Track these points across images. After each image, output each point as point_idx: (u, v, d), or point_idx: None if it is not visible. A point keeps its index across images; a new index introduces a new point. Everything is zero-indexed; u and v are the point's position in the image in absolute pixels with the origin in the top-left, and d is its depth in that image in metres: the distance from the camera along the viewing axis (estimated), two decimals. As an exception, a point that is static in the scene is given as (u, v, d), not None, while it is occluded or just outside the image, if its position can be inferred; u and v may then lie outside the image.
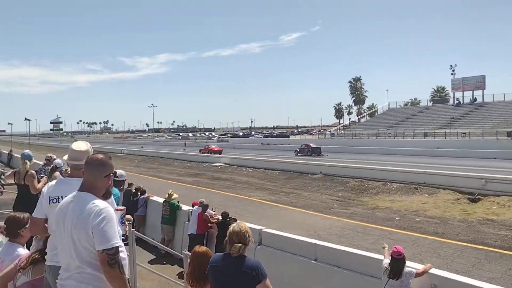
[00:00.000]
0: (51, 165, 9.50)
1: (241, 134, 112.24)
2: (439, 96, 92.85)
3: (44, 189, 3.41)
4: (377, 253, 6.81)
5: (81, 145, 3.49)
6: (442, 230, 14.13)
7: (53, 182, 3.55)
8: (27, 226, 3.88)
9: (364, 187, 22.86)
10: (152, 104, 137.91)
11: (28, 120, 60.85)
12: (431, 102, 78.65)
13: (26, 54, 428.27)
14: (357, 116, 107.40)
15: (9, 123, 73.72)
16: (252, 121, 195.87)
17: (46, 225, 3.11)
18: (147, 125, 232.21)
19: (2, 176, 23.70)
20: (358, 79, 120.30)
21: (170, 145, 78.72)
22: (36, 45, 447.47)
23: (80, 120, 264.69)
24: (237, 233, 3.40)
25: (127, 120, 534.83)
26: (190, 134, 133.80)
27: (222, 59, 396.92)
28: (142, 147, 70.18)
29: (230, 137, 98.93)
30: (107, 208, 2.65)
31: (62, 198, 2.88)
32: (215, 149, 52.52)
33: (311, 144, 45.84)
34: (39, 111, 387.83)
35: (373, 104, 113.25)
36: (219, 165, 36.83)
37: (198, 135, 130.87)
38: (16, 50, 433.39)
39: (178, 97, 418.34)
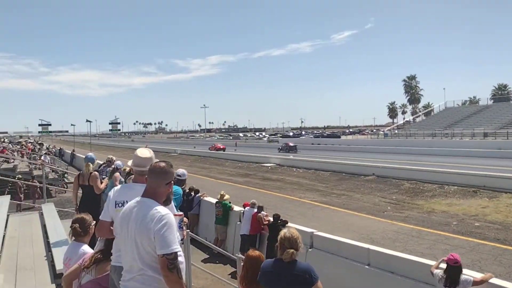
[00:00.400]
0: (112, 167, 9.97)
1: (291, 134, 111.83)
2: (500, 94, 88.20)
3: (111, 194, 3.60)
4: (433, 259, 6.63)
5: (145, 152, 3.65)
6: (504, 236, 13.46)
7: (119, 187, 3.74)
8: (92, 226, 4.12)
9: (419, 189, 22.18)
10: (204, 105, 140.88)
11: (89, 121, 63.88)
12: (492, 101, 74.87)
13: (88, 57, 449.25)
14: (412, 115, 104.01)
15: (72, 125, 77.99)
16: (302, 121, 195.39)
17: (112, 227, 3.29)
18: (199, 125, 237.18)
19: (66, 175, 25.27)
20: (413, 77, 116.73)
21: (222, 145, 79.81)
22: (96, 49, 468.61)
23: (137, 121, 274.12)
24: (289, 239, 3.48)
25: (180, 120, 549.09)
26: (241, 134, 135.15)
27: (272, 59, 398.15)
28: (194, 147, 71.52)
29: (280, 137, 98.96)
30: (168, 215, 2.76)
31: (127, 203, 3.02)
32: (220, 147, 62.20)
33: (290, 143, 57.82)
34: (99, 112, 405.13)
35: (428, 103, 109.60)
36: (269, 166, 36.96)
37: (249, 135, 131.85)
38: (78, 54, 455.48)
39: (229, 98, 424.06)
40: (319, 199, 21.33)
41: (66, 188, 22.41)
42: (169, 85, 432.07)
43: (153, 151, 3.82)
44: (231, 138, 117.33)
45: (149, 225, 2.72)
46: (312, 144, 69.14)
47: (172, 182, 3.01)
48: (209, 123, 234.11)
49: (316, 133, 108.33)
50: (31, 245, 7.42)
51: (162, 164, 3.01)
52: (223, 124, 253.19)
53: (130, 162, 3.72)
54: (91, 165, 7.88)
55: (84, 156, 8.55)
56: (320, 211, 18.24)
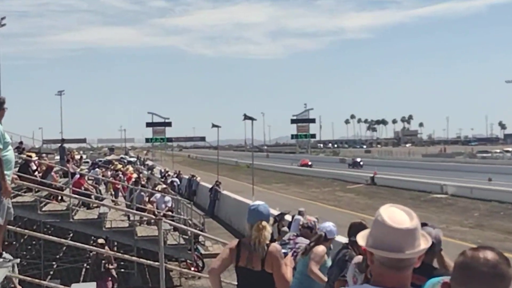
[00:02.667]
0: (298, 228, 6.71)
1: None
2: None
3: None
4: None
5: (400, 216, 1.80)
6: None
7: None
8: None
9: None
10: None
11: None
12: None
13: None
14: None
15: (214, 126, 77.56)
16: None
17: None
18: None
19: (202, 239, 14.87)
20: None
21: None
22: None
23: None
24: None
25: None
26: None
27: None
28: None
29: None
30: None
31: None
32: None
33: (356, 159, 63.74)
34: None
35: None
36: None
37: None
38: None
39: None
40: None
41: (201, 269, 12.58)
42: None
43: None
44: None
45: None
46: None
47: None
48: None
49: None
50: None
51: (491, 255, 1.63)
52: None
53: (361, 240, 1.86)
54: (267, 227, 3.96)
55: (250, 206, 4.04)
56: None
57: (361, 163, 60.83)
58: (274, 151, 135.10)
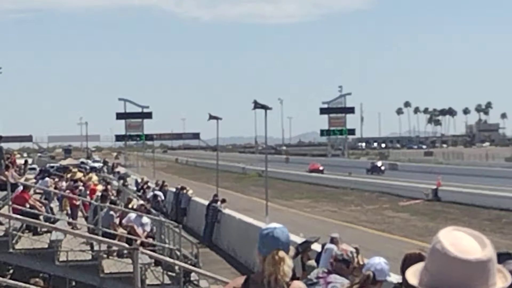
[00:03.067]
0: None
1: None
2: None
3: None
4: None
5: (467, 242, 1.79)
6: None
7: None
8: None
9: None
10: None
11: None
12: None
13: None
14: None
15: (212, 118, 78.47)
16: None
17: None
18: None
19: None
20: None
21: None
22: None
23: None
24: None
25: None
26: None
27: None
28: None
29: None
30: None
31: None
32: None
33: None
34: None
35: None
36: None
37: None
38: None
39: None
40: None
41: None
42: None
43: None
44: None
45: None
46: None
47: None
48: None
49: None
50: None
51: None
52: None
53: (413, 279, 1.90)
54: (286, 259, 3.81)
55: (263, 230, 3.88)
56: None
57: (383, 167, 64.01)
58: (296, 153, 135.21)
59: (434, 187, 37.46)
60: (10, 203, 13.17)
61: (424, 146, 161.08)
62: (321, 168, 67.57)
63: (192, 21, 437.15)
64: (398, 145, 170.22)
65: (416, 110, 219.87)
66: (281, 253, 3.71)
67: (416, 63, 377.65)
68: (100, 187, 19.67)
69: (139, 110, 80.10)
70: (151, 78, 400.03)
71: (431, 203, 35.32)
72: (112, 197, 18.34)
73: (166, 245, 15.77)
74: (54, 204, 17.66)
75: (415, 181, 48.67)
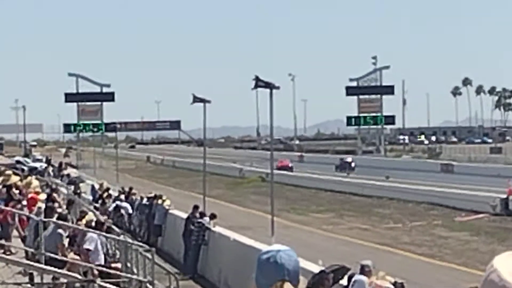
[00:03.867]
0: None
1: None
2: None
3: None
4: None
5: None
6: None
7: None
8: None
9: None
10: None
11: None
12: None
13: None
14: None
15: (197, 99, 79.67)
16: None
17: None
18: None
19: None
20: None
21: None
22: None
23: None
24: None
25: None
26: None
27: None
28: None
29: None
30: None
31: None
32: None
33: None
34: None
35: None
36: None
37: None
38: None
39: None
40: None
41: None
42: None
43: None
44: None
45: None
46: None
47: None
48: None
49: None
50: None
51: None
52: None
53: None
54: None
55: (262, 255, 4.32)
56: None
57: (353, 164, 68.75)
58: (313, 148, 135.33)
59: (505, 196, 37.50)
60: None
61: (490, 140, 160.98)
62: (290, 165, 69.88)
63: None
64: (454, 138, 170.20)
65: (479, 90, 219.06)
66: (287, 286, 3.76)
67: (479, 29, 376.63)
68: (42, 196, 19.65)
69: (97, 89, 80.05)
70: (113, 47, 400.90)
71: (499, 218, 35.49)
72: (60, 210, 18.39)
73: (134, 276, 15.77)
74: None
75: (477, 188, 48.82)
